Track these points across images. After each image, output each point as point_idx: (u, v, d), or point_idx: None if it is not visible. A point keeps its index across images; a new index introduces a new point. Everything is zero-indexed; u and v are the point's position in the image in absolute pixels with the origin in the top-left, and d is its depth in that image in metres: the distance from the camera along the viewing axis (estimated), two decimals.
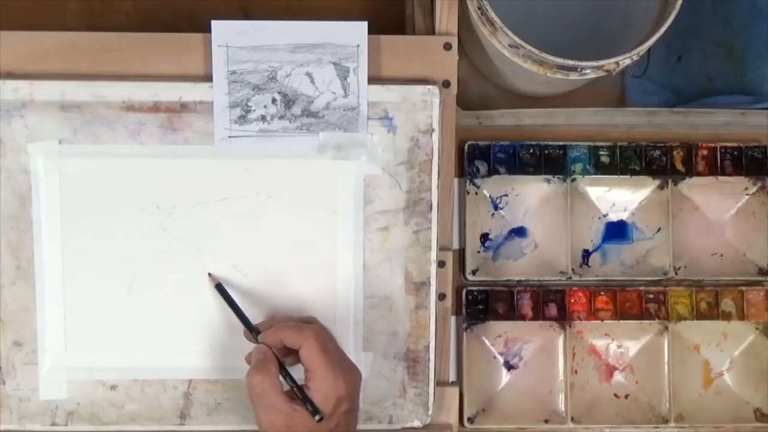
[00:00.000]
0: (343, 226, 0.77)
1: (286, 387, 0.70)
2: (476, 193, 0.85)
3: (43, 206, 0.76)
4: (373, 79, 0.76)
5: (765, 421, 0.86)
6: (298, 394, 0.69)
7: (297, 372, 0.71)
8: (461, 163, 0.85)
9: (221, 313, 0.77)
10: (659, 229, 0.86)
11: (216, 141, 0.76)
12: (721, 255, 0.87)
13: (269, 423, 0.69)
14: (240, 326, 0.75)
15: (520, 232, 0.86)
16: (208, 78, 0.75)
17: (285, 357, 0.72)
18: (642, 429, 0.86)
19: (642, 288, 0.86)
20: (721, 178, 0.86)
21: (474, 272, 0.85)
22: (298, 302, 0.77)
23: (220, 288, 0.76)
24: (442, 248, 0.79)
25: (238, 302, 0.75)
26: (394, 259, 0.78)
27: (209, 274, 0.76)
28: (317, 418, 0.68)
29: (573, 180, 0.85)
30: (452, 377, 0.83)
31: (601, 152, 0.86)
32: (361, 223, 0.77)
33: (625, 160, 0.86)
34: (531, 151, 0.85)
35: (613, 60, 0.75)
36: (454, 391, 0.81)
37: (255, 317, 0.76)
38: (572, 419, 0.85)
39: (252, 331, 0.73)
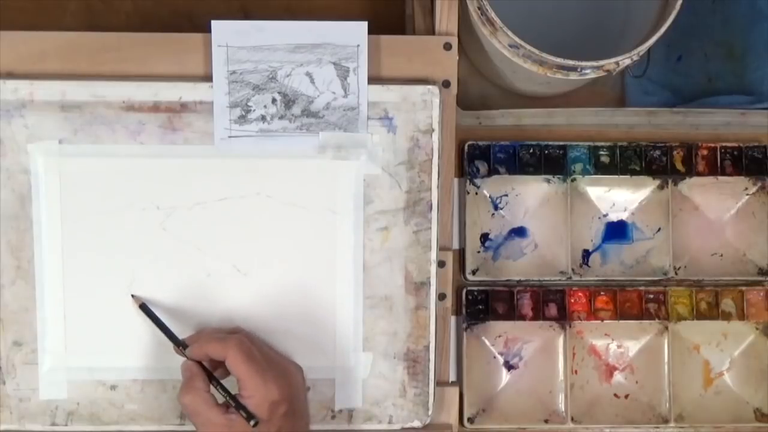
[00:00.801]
0: (342, 226, 0.77)
1: (221, 399, 0.70)
2: (476, 193, 0.85)
3: (43, 206, 0.76)
4: (373, 79, 0.76)
5: (765, 421, 0.86)
6: (231, 402, 0.69)
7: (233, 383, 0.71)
8: (461, 163, 0.85)
9: (221, 313, 0.77)
10: (659, 229, 0.86)
11: (216, 141, 0.76)
12: (721, 255, 0.87)
13: None
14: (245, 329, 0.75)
15: (520, 232, 0.86)
16: (208, 78, 0.75)
17: (215, 370, 0.72)
18: (642, 429, 0.86)
19: (642, 288, 0.86)
20: (721, 178, 0.86)
21: (474, 272, 0.85)
22: (298, 302, 0.77)
23: (144, 308, 0.76)
24: (442, 248, 0.79)
25: (165, 319, 0.75)
26: (394, 259, 0.78)
27: (132, 296, 0.76)
28: (252, 423, 0.68)
29: (573, 180, 0.85)
30: (452, 377, 0.83)
31: (601, 152, 0.86)
32: (360, 223, 0.77)
33: (625, 160, 0.86)
34: (531, 151, 0.85)
35: (613, 60, 0.75)
36: (454, 391, 0.81)
37: (255, 317, 0.76)
38: (572, 419, 0.85)
39: (179, 345, 0.73)
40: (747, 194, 0.87)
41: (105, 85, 0.75)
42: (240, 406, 0.69)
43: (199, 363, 0.72)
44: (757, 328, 0.87)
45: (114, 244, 0.76)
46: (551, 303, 0.86)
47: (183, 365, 0.72)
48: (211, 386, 0.71)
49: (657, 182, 0.86)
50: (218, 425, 0.69)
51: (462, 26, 0.79)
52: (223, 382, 0.71)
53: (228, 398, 0.70)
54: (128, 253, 0.77)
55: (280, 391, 0.69)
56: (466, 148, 0.85)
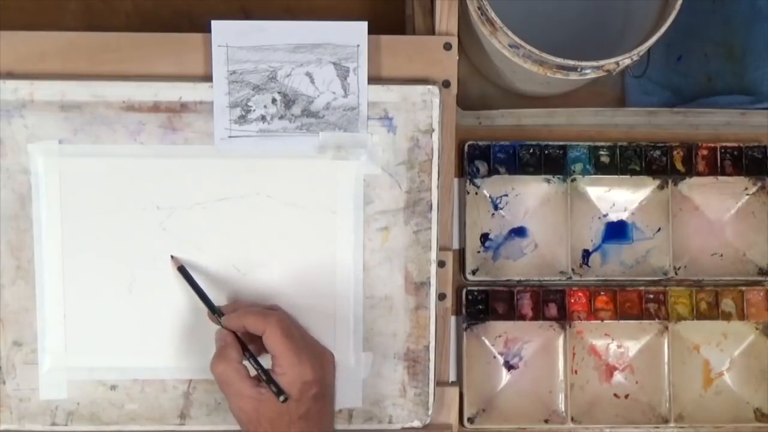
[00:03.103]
0: (342, 226, 0.77)
1: (254, 372, 0.70)
2: (476, 193, 0.85)
3: (43, 206, 0.76)
4: (373, 79, 0.76)
5: (765, 421, 0.86)
6: (263, 376, 0.69)
7: (265, 359, 0.71)
8: (461, 163, 0.85)
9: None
10: (659, 229, 0.86)
11: (216, 141, 0.76)
12: (721, 255, 0.87)
13: (239, 409, 0.70)
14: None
15: (520, 232, 0.86)
16: (208, 78, 0.75)
17: (250, 344, 0.72)
18: (642, 429, 0.86)
19: (642, 288, 0.86)
20: (721, 178, 0.86)
21: (474, 272, 0.85)
22: (298, 302, 0.77)
23: (182, 271, 0.75)
24: (442, 248, 0.79)
25: (203, 285, 0.75)
26: (394, 259, 0.78)
27: (171, 257, 0.76)
28: (282, 398, 0.68)
29: (573, 180, 0.85)
30: (452, 377, 0.83)
31: (601, 152, 0.86)
32: (360, 223, 0.78)
33: (625, 160, 0.86)
34: (531, 151, 0.85)
35: (613, 60, 0.75)
36: (454, 391, 0.81)
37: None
38: (572, 419, 0.85)
39: (215, 313, 0.73)
40: (747, 194, 0.87)
41: (105, 85, 0.75)
42: (271, 381, 0.69)
43: (234, 333, 0.71)
44: (757, 328, 0.87)
45: (114, 244, 0.76)
46: (551, 303, 0.86)
47: (218, 333, 0.72)
48: (244, 359, 0.71)
49: (657, 182, 0.86)
50: (248, 398, 0.69)
51: (462, 26, 0.79)
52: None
53: (260, 372, 0.70)
54: (128, 253, 0.77)
55: (314, 373, 0.69)
56: (466, 148, 0.85)
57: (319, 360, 0.71)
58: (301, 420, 0.69)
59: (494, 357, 0.86)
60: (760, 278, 0.87)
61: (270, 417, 0.69)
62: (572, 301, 0.86)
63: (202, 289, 0.75)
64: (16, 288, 0.76)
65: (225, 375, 0.70)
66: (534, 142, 0.85)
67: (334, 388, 0.74)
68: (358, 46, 0.76)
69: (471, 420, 0.84)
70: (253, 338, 0.72)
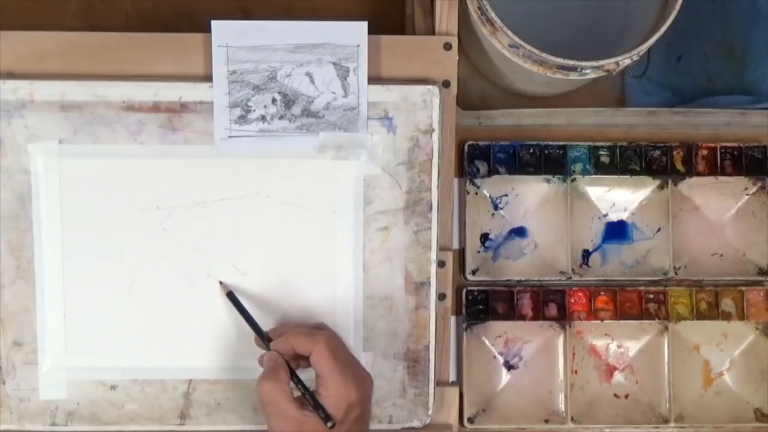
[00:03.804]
0: (342, 226, 0.77)
1: (297, 393, 0.70)
2: (476, 193, 0.85)
3: (43, 206, 0.76)
4: (373, 79, 0.76)
5: (765, 421, 0.86)
6: (310, 401, 0.69)
7: (308, 379, 0.71)
8: (461, 163, 0.85)
9: (221, 313, 0.77)
10: (659, 229, 0.86)
11: (216, 141, 0.76)
12: (721, 255, 0.87)
13: (280, 430, 0.69)
14: (246, 331, 0.74)
15: (520, 232, 0.86)
16: (208, 78, 0.76)
17: (295, 362, 0.72)
18: (642, 429, 0.86)
19: (642, 288, 0.86)
20: (721, 178, 0.86)
21: (474, 272, 0.85)
22: (298, 302, 0.77)
23: (231, 297, 0.76)
24: (442, 248, 0.79)
25: (247, 307, 0.75)
26: (394, 259, 0.78)
27: (220, 283, 0.76)
28: (329, 424, 0.68)
29: (573, 180, 0.85)
30: (452, 377, 0.83)
31: (601, 152, 0.86)
32: (361, 223, 0.78)
33: (625, 160, 0.86)
34: (531, 151, 0.85)
35: (613, 60, 0.75)
36: (454, 391, 0.81)
37: (256, 317, 0.75)
38: (572, 419, 0.85)
39: (263, 339, 0.73)
40: (747, 194, 0.87)
41: (105, 85, 0.75)
42: (319, 406, 0.69)
43: (282, 356, 0.71)
44: (757, 328, 0.87)
45: (114, 244, 0.76)
46: (551, 303, 0.86)
47: (268, 355, 0.72)
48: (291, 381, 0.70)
49: (657, 182, 0.86)
50: (292, 419, 0.68)
51: (462, 26, 0.79)
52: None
53: (307, 396, 0.70)
54: (128, 253, 0.77)
55: (358, 394, 0.69)
56: (466, 148, 0.85)
57: (362, 381, 0.71)
58: None
59: (494, 357, 0.86)
60: (760, 278, 0.87)
61: None
62: (572, 301, 0.86)
63: (251, 315, 0.75)
64: (16, 288, 0.76)
65: (271, 395, 0.69)
66: (534, 142, 0.85)
67: (370, 410, 0.74)
68: (358, 46, 0.76)
69: (471, 420, 0.84)
70: (298, 357, 0.72)
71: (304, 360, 0.71)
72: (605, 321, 0.86)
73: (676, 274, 0.86)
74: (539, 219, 0.86)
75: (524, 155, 0.85)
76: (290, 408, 0.68)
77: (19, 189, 0.76)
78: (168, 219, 0.77)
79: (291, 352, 0.71)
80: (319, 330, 0.74)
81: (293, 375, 0.71)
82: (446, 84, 0.78)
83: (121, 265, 0.77)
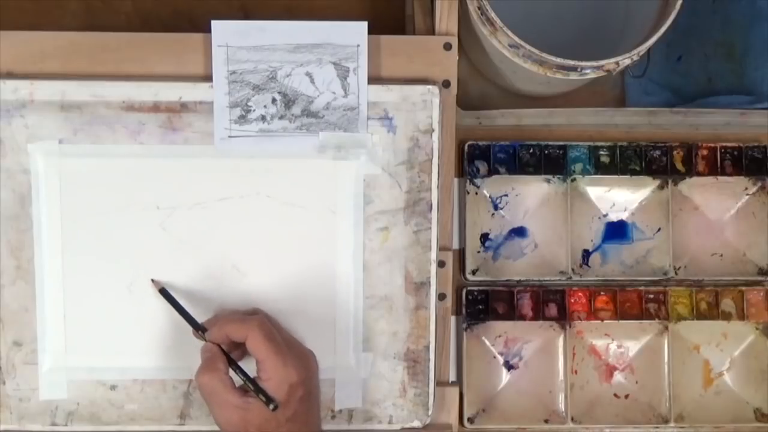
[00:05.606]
0: (342, 227, 0.77)
1: (240, 382, 0.70)
2: (476, 193, 0.85)
3: (43, 206, 0.76)
4: (373, 79, 0.76)
5: (765, 421, 0.86)
6: (250, 386, 0.69)
7: (250, 366, 0.71)
8: (461, 163, 0.85)
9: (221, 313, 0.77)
10: (659, 229, 0.86)
11: (216, 141, 0.76)
12: (721, 255, 0.87)
13: (226, 420, 0.69)
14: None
15: (520, 232, 0.86)
16: (208, 78, 0.75)
17: (234, 351, 0.72)
18: (642, 429, 0.86)
19: (642, 288, 0.86)
20: (721, 178, 0.86)
21: (474, 272, 0.85)
22: (298, 302, 0.77)
23: (164, 293, 0.75)
24: (442, 248, 0.79)
25: (183, 303, 0.75)
26: (394, 259, 0.78)
27: (152, 280, 0.76)
28: (271, 407, 0.68)
29: (573, 180, 0.85)
30: (452, 377, 0.83)
31: (601, 152, 0.86)
32: (361, 223, 0.77)
33: (625, 160, 0.86)
34: (531, 151, 0.85)
35: (613, 60, 0.75)
36: (454, 391, 0.81)
37: None
38: (572, 419, 0.85)
39: (198, 329, 0.73)
40: (747, 194, 0.87)
41: (105, 85, 0.75)
42: (260, 390, 0.69)
43: (218, 345, 0.71)
44: (757, 328, 0.87)
45: (114, 244, 0.76)
46: (551, 303, 0.86)
47: (203, 347, 0.72)
48: (230, 370, 0.70)
49: (657, 182, 0.86)
50: (235, 408, 0.68)
51: (462, 26, 0.79)
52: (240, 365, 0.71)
53: (247, 382, 0.70)
54: (128, 253, 0.77)
55: (299, 374, 0.69)
56: (466, 148, 0.85)
57: (302, 360, 0.71)
58: (288, 423, 0.69)
59: (494, 357, 0.86)
60: (760, 278, 0.87)
61: (257, 424, 0.69)
62: (572, 301, 0.86)
63: (185, 308, 0.75)
64: (16, 288, 0.76)
65: (210, 386, 0.69)
66: (534, 142, 0.85)
67: (318, 388, 0.74)
68: (358, 46, 0.76)
69: (471, 420, 0.84)
70: (236, 346, 0.72)
71: (241, 349, 0.71)
72: (605, 321, 0.86)
73: (676, 274, 0.86)
74: (539, 219, 0.86)
75: (524, 155, 0.85)
76: (232, 397, 0.69)
77: (19, 189, 0.76)
78: (168, 219, 0.77)
79: (227, 341, 0.71)
80: (251, 315, 0.74)
81: (232, 363, 0.71)
82: (446, 84, 0.78)
83: (121, 265, 0.77)
